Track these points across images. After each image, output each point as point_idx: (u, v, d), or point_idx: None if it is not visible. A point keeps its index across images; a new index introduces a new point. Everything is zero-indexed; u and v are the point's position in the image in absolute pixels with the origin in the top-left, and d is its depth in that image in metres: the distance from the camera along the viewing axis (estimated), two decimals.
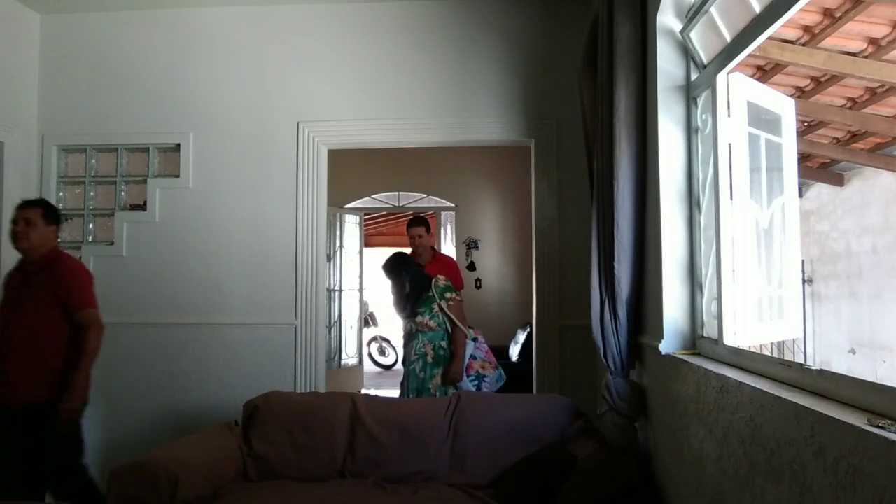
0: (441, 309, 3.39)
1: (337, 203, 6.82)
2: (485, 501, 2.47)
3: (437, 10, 3.69)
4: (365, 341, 8.43)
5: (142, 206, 3.74)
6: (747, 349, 1.80)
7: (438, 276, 3.51)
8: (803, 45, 3.78)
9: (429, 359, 3.37)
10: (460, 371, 3.34)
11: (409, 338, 3.50)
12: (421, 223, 4.01)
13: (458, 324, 3.38)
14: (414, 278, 3.46)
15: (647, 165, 2.37)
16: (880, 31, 3.63)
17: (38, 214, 2.86)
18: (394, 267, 3.52)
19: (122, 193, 3.80)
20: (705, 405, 1.74)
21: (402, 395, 3.51)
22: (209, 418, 3.38)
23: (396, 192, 7.51)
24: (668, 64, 2.25)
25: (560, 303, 3.54)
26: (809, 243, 7.09)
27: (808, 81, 4.44)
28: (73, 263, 2.99)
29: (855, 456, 1.02)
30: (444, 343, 3.40)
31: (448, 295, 3.42)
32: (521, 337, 5.57)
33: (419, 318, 3.40)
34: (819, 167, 6.56)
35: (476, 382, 3.40)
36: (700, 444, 1.78)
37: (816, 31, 3.62)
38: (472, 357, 3.44)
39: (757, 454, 1.40)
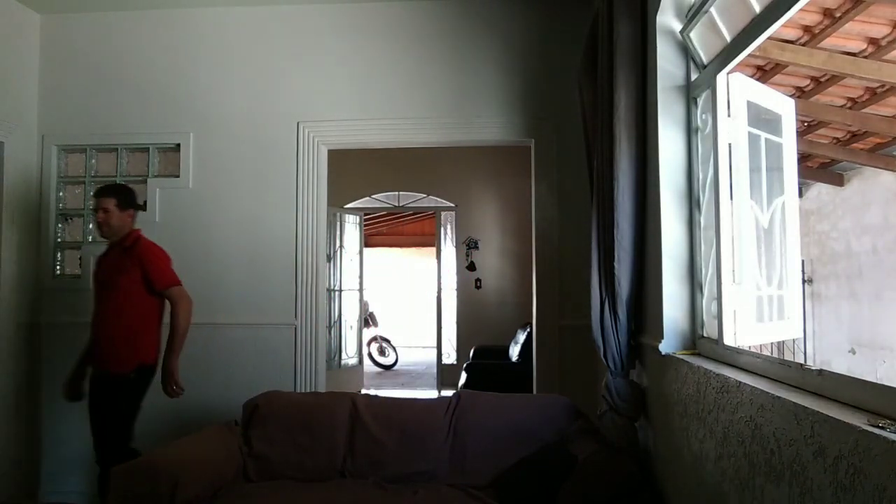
0: None
1: (337, 203, 6.82)
2: (485, 501, 2.46)
3: (436, 10, 3.69)
4: (365, 341, 8.43)
5: (142, 207, 3.74)
6: (747, 349, 1.81)
7: None
8: (803, 45, 3.79)
9: None
10: None
11: None
12: (109, 193, 3.03)
13: None
14: None
15: (647, 165, 2.37)
16: (880, 31, 3.63)
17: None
18: None
19: None
20: (705, 405, 1.74)
21: None
22: (209, 418, 3.37)
23: (396, 192, 7.52)
24: (668, 64, 2.25)
25: (560, 303, 3.54)
26: (809, 243, 7.09)
27: (808, 81, 4.44)
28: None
29: (855, 456, 1.02)
30: None
31: None
32: (521, 337, 5.56)
33: None
34: (819, 167, 6.56)
35: None
36: (700, 444, 1.78)
37: (816, 31, 3.63)
38: None
39: (757, 454, 1.40)
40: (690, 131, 2.22)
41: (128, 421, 2.99)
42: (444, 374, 7.24)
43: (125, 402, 2.99)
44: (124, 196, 3.07)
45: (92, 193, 3.07)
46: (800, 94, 4.55)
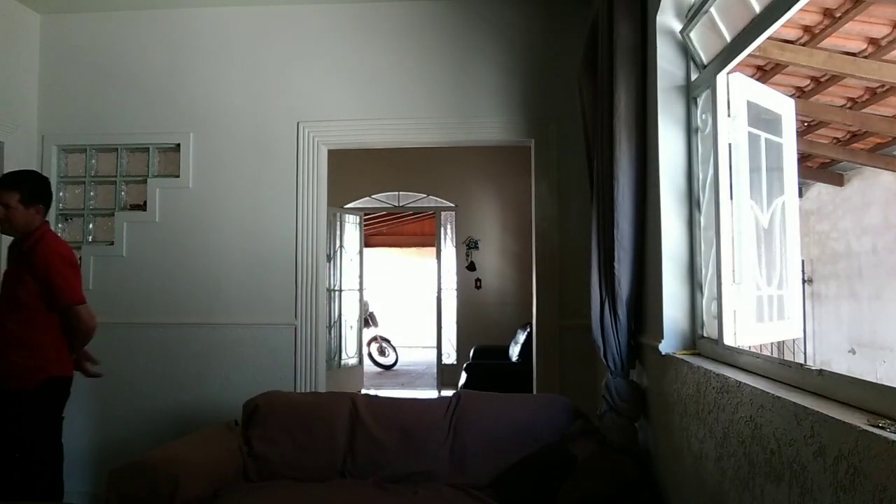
0: None
1: (337, 203, 6.82)
2: (485, 501, 2.47)
3: (436, 10, 3.69)
4: (365, 341, 8.43)
5: (142, 206, 3.74)
6: (747, 349, 1.81)
7: None
8: (803, 45, 3.79)
9: None
10: None
11: None
12: (11, 185, 2.66)
13: None
14: None
15: (647, 165, 2.37)
16: (880, 31, 3.63)
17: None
18: None
19: (122, 193, 3.79)
20: (705, 405, 1.74)
21: None
22: (209, 418, 3.38)
23: (396, 192, 7.52)
24: (668, 64, 2.25)
25: (560, 303, 3.54)
26: (809, 243, 7.09)
27: (808, 81, 4.44)
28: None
29: (855, 456, 1.02)
30: None
31: None
32: (521, 337, 5.56)
33: None
34: (819, 167, 6.56)
35: None
36: (700, 444, 1.78)
37: (816, 31, 3.63)
38: None
39: (757, 454, 1.40)
40: (690, 131, 2.22)
41: (44, 447, 2.63)
42: (444, 374, 7.25)
43: (33, 423, 2.59)
44: (30, 189, 2.65)
45: None
46: (800, 94, 4.55)
